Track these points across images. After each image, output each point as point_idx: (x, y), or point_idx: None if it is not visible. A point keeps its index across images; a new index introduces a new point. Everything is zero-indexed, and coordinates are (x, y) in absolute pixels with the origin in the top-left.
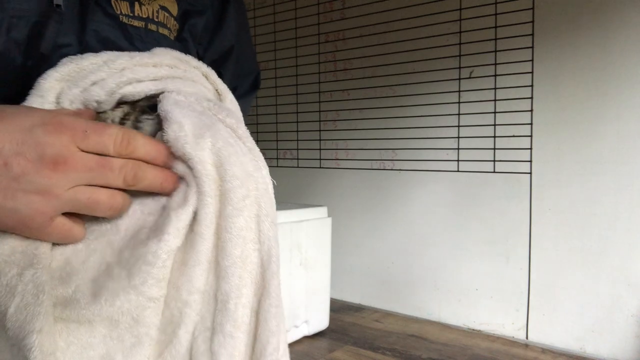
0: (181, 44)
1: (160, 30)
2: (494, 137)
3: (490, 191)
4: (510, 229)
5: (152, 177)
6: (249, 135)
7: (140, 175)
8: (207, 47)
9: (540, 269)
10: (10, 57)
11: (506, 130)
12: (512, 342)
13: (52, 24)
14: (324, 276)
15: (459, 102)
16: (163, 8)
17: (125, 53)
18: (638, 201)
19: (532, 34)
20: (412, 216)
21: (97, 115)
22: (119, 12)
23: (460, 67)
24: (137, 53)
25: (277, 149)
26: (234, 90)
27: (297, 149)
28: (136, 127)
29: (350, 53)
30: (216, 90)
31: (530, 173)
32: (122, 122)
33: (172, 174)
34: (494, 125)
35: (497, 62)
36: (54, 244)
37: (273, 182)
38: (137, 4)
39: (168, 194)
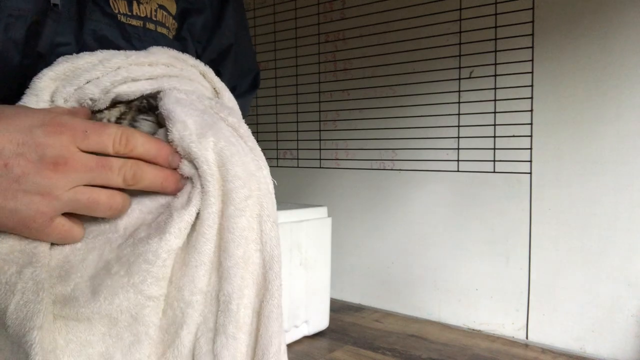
0: (180, 43)
1: (159, 29)
2: (494, 137)
3: (490, 191)
4: (510, 229)
5: (152, 176)
6: (251, 134)
7: (139, 174)
8: (206, 46)
9: (540, 269)
10: (8, 57)
11: (506, 130)
12: (512, 342)
13: (50, 23)
14: (324, 276)
15: (459, 102)
16: (161, 7)
17: (121, 52)
18: (638, 201)
19: (532, 34)
20: (412, 216)
21: (93, 115)
22: (117, 11)
23: (460, 67)
24: (132, 52)
25: (277, 149)
26: (233, 89)
27: (297, 149)
28: (133, 127)
29: (350, 53)
30: (214, 88)
31: (530, 173)
32: (118, 121)
33: (173, 174)
34: (494, 125)
35: (497, 62)
36: (53, 243)
37: (274, 182)
38: (135, 3)
39: (170, 193)
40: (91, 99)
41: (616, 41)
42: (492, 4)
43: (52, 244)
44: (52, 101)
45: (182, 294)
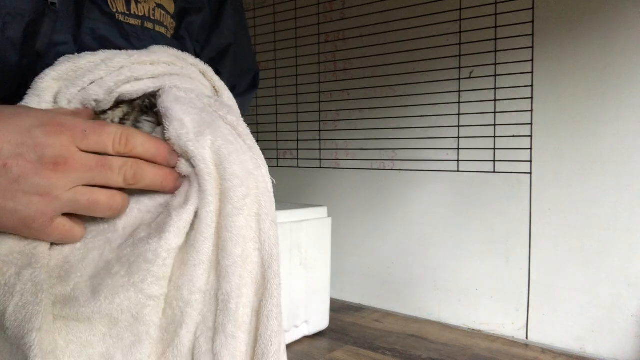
0: (178, 42)
1: (157, 28)
2: (494, 137)
3: (490, 191)
4: (510, 229)
5: (152, 176)
6: (249, 132)
7: (140, 174)
8: (205, 45)
9: (540, 269)
10: (6, 56)
11: (506, 130)
12: (512, 342)
13: (47, 22)
14: (324, 276)
15: (459, 102)
16: (159, 6)
17: (123, 52)
18: (638, 201)
19: (532, 34)
20: (412, 216)
21: (97, 115)
22: (115, 10)
23: (460, 67)
24: (134, 51)
25: (277, 149)
26: (232, 88)
27: (297, 149)
28: (136, 127)
29: (350, 53)
30: (213, 87)
31: (530, 173)
32: (121, 122)
33: (172, 173)
34: (494, 125)
35: (497, 62)
36: (52, 243)
37: (273, 181)
38: (133, 2)
39: (169, 192)
40: (95, 100)
41: (616, 41)
42: (492, 4)
43: (52, 245)
44: (56, 102)
45: (181, 293)
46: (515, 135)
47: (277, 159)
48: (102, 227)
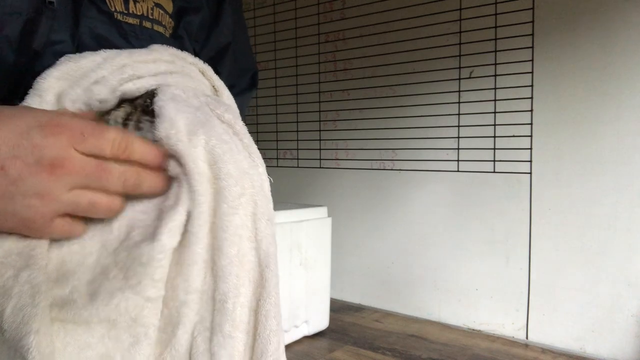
0: (177, 41)
1: (155, 27)
2: (494, 137)
3: (490, 191)
4: (510, 229)
5: (150, 183)
6: (247, 131)
7: (139, 182)
8: (204, 45)
9: (540, 269)
10: (3, 55)
11: (506, 130)
12: (512, 342)
13: (45, 21)
14: (324, 276)
15: (459, 102)
16: (158, 5)
17: (124, 50)
18: (638, 201)
19: (532, 34)
20: (412, 216)
21: (100, 117)
22: (113, 9)
23: (460, 67)
24: (136, 50)
25: (277, 149)
26: (231, 88)
27: (297, 149)
28: (138, 128)
29: (350, 53)
30: (213, 86)
31: (530, 173)
32: (125, 122)
33: (166, 177)
34: (494, 125)
35: (497, 62)
36: (50, 245)
37: (270, 180)
38: (131, 1)
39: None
40: (99, 101)
41: (616, 41)
42: (492, 4)
43: (50, 246)
44: (60, 103)
45: (176, 293)
46: (515, 135)
47: (277, 159)
48: (98, 226)
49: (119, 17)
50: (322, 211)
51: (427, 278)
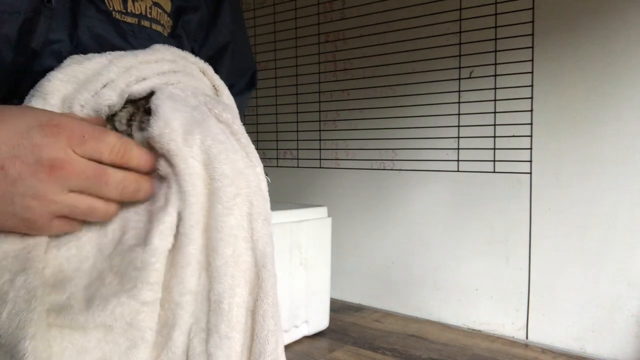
0: (175, 41)
1: (154, 26)
2: (494, 137)
3: (490, 191)
4: (510, 229)
5: (147, 189)
6: (244, 131)
7: (137, 189)
8: (202, 44)
9: (540, 269)
10: (1, 54)
11: (506, 130)
12: (512, 342)
13: (43, 20)
14: (324, 276)
15: (459, 102)
16: (156, 4)
17: (129, 52)
18: (638, 201)
19: (532, 34)
20: (412, 216)
21: (107, 120)
22: (111, 8)
23: (460, 67)
24: (140, 51)
25: (277, 149)
26: (230, 87)
27: (297, 149)
28: (141, 129)
29: (350, 53)
30: (213, 86)
31: (530, 173)
32: (128, 123)
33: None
34: (494, 125)
35: (497, 62)
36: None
37: (267, 180)
38: (129, 1)
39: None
40: (109, 106)
41: (616, 41)
42: (492, 4)
43: (47, 250)
44: (69, 107)
45: (171, 295)
46: (515, 135)
47: (277, 159)
48: (94, 229)
49: (118, 16)
50: (322, 211)
51: (427, 278)
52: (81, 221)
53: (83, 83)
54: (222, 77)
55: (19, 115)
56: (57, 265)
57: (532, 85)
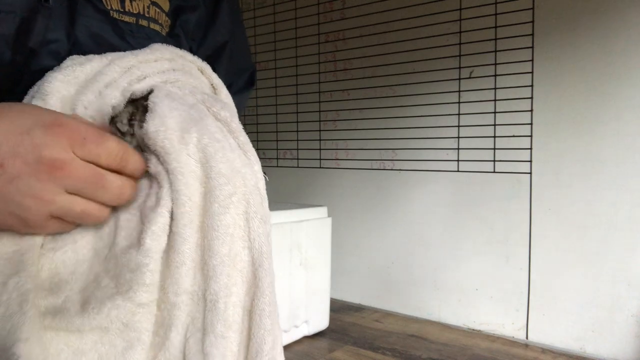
0: (173, 40)
1: (152, 25)
2: (494, 137)
3: (490, 191)
4: (510, 229)
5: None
6: (242, 129)
7: (132, 196)
8: (201, 43)
9: (540, 269)
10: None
11: (506, 130)
12: (512, 342)
13: (41, 19)
14: (324, 276)
15: (459, 102)
16: (154, 4)
17: (128, 52)
18: (638, 201)
19: (532, 34)
20: (412, 216)
21: (111, 123)
22: (109, 7)
23: (460, 67)
24: (139, 50)
25: (277, 149)
26: (229, 87)
27: (297, 149)
28: (142, 128)
29: (350, 53)
30: (211, 84)
31: (530, 173)
32: (130, 122)
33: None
34: (494, 125)
35: (497, 62)
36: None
37: (265, 179)
38: (127, 0)
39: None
40: (112, 106)
41: (616, 41)
42: (492, 4)
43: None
44: (70, 108)
45: (167, 295)
46: (515, 135)
47: (277, 159)
48: (90, 231)
49: (115, 15)
50: (322, 211)
51: (427, 278)
52: (75, 224)
53: (85, 84)
54: (220, 76)
55: (24, 113)
56: (53, 268)
57: (532, 85)
